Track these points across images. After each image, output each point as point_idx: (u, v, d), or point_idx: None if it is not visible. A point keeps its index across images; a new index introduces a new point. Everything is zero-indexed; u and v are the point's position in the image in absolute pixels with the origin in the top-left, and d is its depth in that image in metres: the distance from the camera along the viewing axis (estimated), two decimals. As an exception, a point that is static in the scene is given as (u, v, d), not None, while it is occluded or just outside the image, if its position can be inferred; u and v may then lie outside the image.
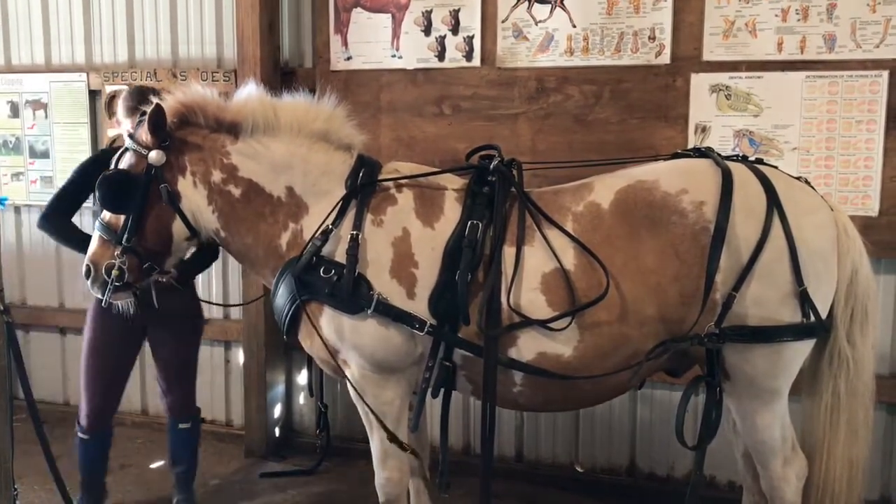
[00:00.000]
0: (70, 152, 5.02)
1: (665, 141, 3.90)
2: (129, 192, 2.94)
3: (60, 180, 5.02)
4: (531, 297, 2.74)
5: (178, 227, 3.02)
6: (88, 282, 3.08)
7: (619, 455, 4.28)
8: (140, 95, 3.44)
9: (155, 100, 2.96)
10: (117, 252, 2.97)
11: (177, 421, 3.84)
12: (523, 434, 4.43)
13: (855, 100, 3.67)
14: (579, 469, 4.35)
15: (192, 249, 3.40)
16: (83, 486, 3.82)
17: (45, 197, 5.05)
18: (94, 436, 3.70)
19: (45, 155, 5.08)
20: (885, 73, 3.61)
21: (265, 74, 4.32)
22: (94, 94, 4.96)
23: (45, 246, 5.23)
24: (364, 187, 2.93)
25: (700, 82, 3.84)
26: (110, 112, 4.86)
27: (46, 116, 5.05)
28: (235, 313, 4.80)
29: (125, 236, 2.96)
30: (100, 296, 3.07)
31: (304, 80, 4.46)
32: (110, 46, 4.92)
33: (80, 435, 3.71)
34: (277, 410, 4.76)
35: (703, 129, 3.86)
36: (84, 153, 4.98)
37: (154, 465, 4.58)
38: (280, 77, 4.49)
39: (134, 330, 3.61)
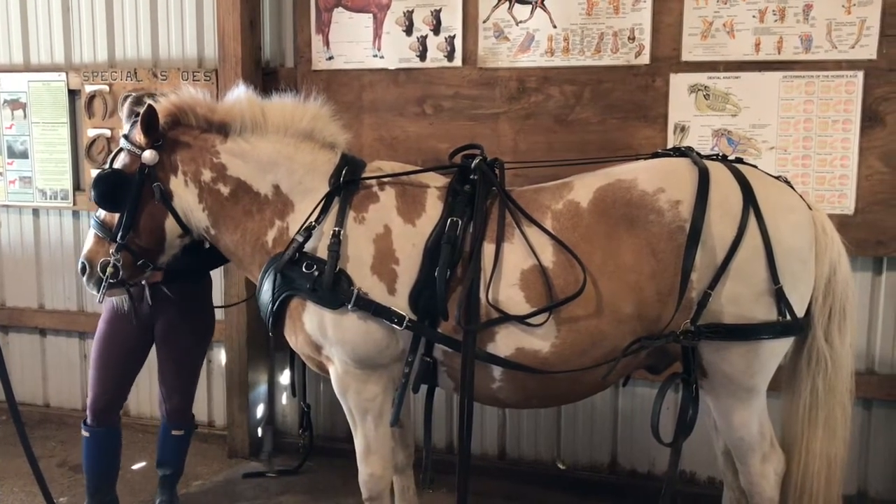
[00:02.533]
0: (49, 152, 4.98)
1: (645, 141, 3.93)
2: (123, 190, 3.03)
3: (39, 181, 5.02)
4: (510, 294, 2.77)
5: (170, 225, 3.11)
6: (84, 278, 3.15)
7: (601, 452, 4.31)
8: (139, 102, 3.46)
9: (148, 101, 3.04)
10: (112, 249, 3.05)
11: (171, 426, 3.84)
12: (506, 432, 4.45)
13: (831, 100, 3.71)
14: (561, 466, 4.37)
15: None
16: (89, 490, 3.73)
17: (23, 197, 5.06)
18: (99, 431, 3.65)
19: (23, 155, 5.04)
20: (860, 74, 3.66)
21: (246, 74, 4.31)
22: (73, 94, 4.93)
23: (25, 246, 5.19)
24: (347, 185, 2.97)
25: (679, 82, 3.87)
26: (90, 112, 4.84)
27: (25, 116, 5.00)
28: (217, 313, 4.77)
29: (119, 233, 3.04)
30: (95, 292, 3.13)
31: (286, 80, 4.45)
32: (90, 46, 4.89)
33: (84, 433, 3.67)
34: (260, 411, 4.75)
35: (683, 129, 3.90)
36: (64, 153, 4.96)
37: (136, 467, 4.55)
38: (262, 77, 4.48)
39: (144, 329, 3.65)
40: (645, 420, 4.17)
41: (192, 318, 3.72)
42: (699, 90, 3.86)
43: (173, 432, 3.84)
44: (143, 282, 3.46)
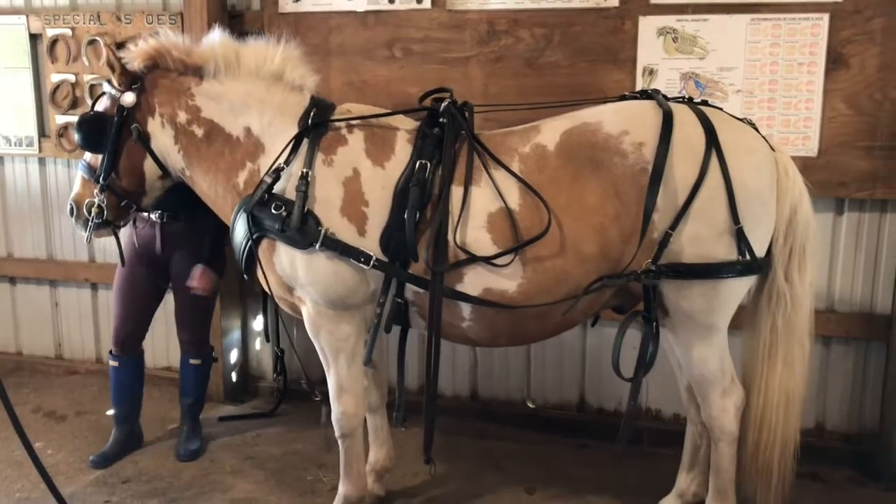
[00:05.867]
0: (12, 98, 4.89)
1: (614, 84, 3.93)
2: (104, 132, 3.17)
3: (3, 127, 4.93)
4: (477, 236, 2.81)
5: (149, 166, 3.21)
6: (72, 220, 3.30)
7: (570, 391, 4.41)
8: None
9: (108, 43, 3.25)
10: (96, 190, 3.16)
11: (188, 357, 4.06)
12: (477, 373, 4.53)
13: (797, 42, 3.73)
14: (531, 405, 4.48)
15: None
16: (117, 419, 4.11)
17: (-12, 144, 4.98)
18: (122, 360, 3.99)
19: (-14, 101, 4.95)
20: (826, 16, 3.67)
21: (212, 17, 4.24)
22: (35, 38, 4.82)
23: (-9, 195, 5.14)
24: (316, 127, 2.97)
25: (648, 25, 3.87)
26: (53, 57, 4.74)
27: (-15, 61, 4.90)
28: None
29: (102, 175, 3.15)
30: (83, 232, 3.28)
31: (252, 23, 4.38)
32: (50, -12, 4.77)
33: (112, 363, 4.01)
34: (234, 356, 4.79)
35: (651, 72, 3.91)
36: (28, 99, 4.87)
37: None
38: (228, 20, 4.40)
39: (158, 267, 3.89)
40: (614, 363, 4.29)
41: (199, 254, 3.85)
42: (668, 33, 3.86)
43: (191, 361, 4.08)
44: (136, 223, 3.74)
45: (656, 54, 3.89)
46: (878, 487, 3.78)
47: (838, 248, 3.93)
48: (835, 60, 3.71)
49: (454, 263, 2.81)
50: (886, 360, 3.89)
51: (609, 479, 3.79)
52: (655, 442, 4.05)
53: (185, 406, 4.17)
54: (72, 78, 4.73)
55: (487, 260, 2.77)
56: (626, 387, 3.55)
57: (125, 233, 3.76)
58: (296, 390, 4.63)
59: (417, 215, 2.81)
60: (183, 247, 3.84)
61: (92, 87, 4.64)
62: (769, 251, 2.90)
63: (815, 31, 3.70)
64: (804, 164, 3.68)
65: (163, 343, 4.93)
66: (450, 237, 2.80)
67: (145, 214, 3.82)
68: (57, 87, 4.77)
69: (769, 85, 3.80)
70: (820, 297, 3.95)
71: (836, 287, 3.97)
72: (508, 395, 4.51)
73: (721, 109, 2.98)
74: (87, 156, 3.26)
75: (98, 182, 3.17)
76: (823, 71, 3.72)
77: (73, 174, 4.67)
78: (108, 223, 3.26)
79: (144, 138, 3.14)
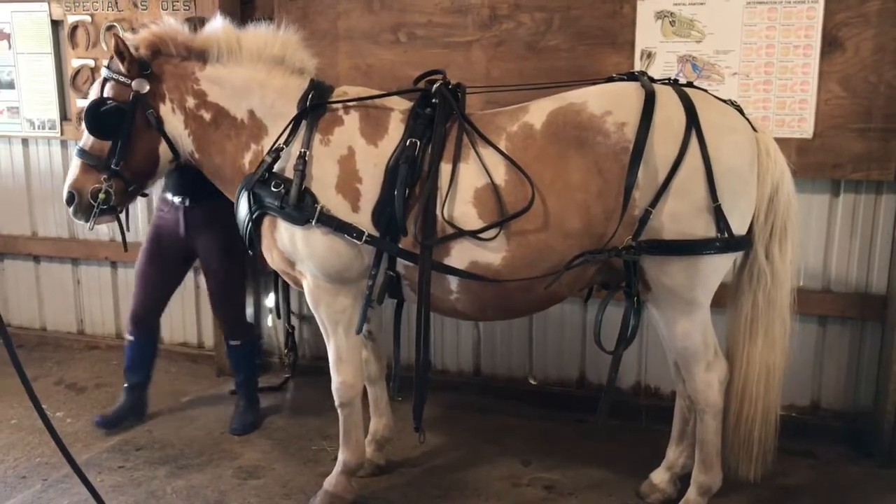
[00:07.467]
0: (35, 83, 5.08)
1: (612, 67, 3.97)
2: (118, 119, 3.18)
3: (27, 111, 5.12)
4: (464, 210, 2.92)
5: (163, 150, 3.30)
6: (71, 207, 3.30)
7: (570, 368, 4.51)
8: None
9: (119, 33, 3.24)
10: (104, 177, 3.21)
11: (228, 339, 4.19)
12: (480, 350, 4.65)
13: (793, 25, 3.78)
14: (533, 382, 4.58)
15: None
16: (125, 388, 4.22)
17: (12, 128, 5.17)
18: (137, 337, 4.13)
19: (10, 86, 5.14)
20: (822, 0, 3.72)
21: (224, 3, 4.37)
22: (56, 25, 5.00)
23: (16, 176, 5.34)
24: (314, 109, 3.10)
25: (646, 9, 3.93)
26: (73, 42, 4.92)
27: (10, 47, 5.09)
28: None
29: (113, 161, 3.20)
30: (83, 220, 3.31)
31: (263, 9, 4.51)
32: (70, -25, 4.94)
33: (127, 337, 4.16)
34: (246, 332, 4.94)
35: (649, 55, 3.97)
36: (50, 84, 5.05)
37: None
38: (239, 6, 4.54)
39: (182, 250, 4.00)
40: (610, 338, 4.35)
41: (227, 238, 3.93)
42: (665, 17, 3.92)
43: (231, 343, 4.21)
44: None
45: (654, 37, 3.95)
46: (871, 464, 3.84)
47: (834, 229, 3.97)
48: (830, 43, 3.75)
49: (442, 237, 2.92)
50: (881, 339, 3.94)
51: (604, 453, 3.90)
52: (655, 418, 4.14)
53: (237, 384, 4.32)
54: (91, 63, 4.91)
55: (474, 234, 2.88)
56: (625, 363, 3.65)
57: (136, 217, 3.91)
58: (305, 365, 4.79)
59: (407, 191, 2.93)
60: (208, 230, 3.93)
61: (110, 71, 4.79)
62: (750, 229, 2.98)
63: (810, 14, 3.74)
64: (800, 147, 3.77)
65: (179, 319, 5.11)
66: (438, 212, 2.91)
67: (169, 198, 3.96)
68: (77, 71, 4.96)
69: (765, 67, 3.84)
70: (816, 277, 4.01)
71: (832, 267, 4.01)
72: (511, 372, 4.62)
73: (705, 91, 3.05)
74: (86, 142, 3.24)
75: (106, 168, 3.19)
76: (819, 53, 3.76)
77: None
78: (112, 209, 3.29)
79: (161, 123, 3.21)
